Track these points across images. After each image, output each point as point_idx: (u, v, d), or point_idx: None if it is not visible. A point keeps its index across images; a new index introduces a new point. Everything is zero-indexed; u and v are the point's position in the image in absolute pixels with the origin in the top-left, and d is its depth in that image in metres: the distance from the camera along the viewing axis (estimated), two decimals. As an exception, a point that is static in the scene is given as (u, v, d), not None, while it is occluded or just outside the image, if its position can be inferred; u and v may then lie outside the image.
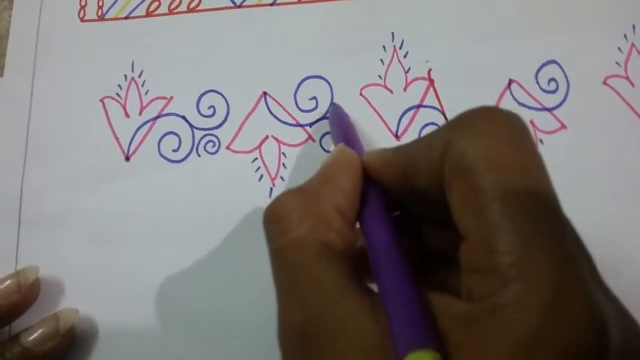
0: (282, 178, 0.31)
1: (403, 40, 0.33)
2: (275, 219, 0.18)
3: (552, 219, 0.14)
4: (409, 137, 0.31)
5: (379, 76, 0.32)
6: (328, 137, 0.32)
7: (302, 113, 0.32)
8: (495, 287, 0.13)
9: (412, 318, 0.15)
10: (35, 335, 0.27)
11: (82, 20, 0.35)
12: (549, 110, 0.31)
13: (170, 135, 0.32)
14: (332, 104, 0.32)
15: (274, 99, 0.32)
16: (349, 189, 0.19)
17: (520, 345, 0.13)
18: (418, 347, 0.14)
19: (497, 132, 0.15)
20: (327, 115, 0.32)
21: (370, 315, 0.15)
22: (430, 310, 0.15)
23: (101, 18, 0.34)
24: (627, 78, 0.31)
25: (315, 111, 0.32)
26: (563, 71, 0.31)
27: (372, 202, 0.19)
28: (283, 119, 0.32)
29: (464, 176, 0.15)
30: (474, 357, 0.13)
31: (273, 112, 0.32)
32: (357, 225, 0.19)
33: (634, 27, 0.31)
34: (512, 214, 0.14)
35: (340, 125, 0.27)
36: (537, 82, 0.31)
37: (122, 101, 0.33)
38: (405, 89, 0.32)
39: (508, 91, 0.31)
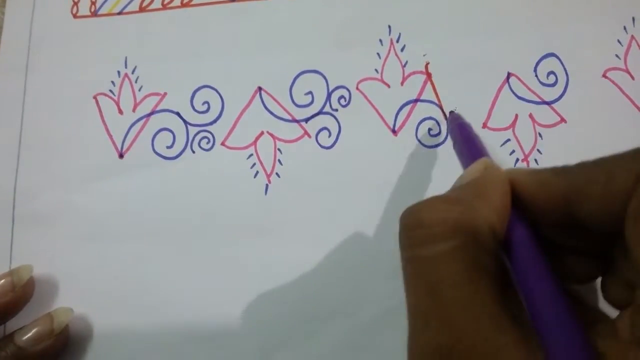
0: (277, 175, 0.31)
1: (400, 34, 0.32)
2: (421, 224, 0.16)
3: None
4: (406, 132, 0.31)
5: (376, 70, 0.32)
6: (324, 132, 0.31)
7: (298, 108, 0.32)
8: None
9: (578, 355, 0.14)
10: (29, 334, 0.27)
11: (75, 16, 0.34)
12: (548, 103, 0.30)
13: (164, 132, 0.32)
14: (451, 112, 0.30)
15: (269, 94, 0.32)
16: (502, 207, 0.18)
17: None
18: None
19: None
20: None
21: (524, 349, 0.14)
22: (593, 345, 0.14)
23: (94, 14, 0.34)
24: (627, 71, 0.30)
25: (311, 106, 0.32)
26: (562, 64, 0.31)
27: (520, 224, 0.18)
28: (278, 115, 0.32)
29: None
30: None
31: (268, 107, 0.32)
32: None
33: (633, 19, 0.31)
34: None
35: (468, 138, 0.26)
36: (536, 76, 0.31)
37: (116, 98, 0.33)
38: (402, 83, 0.32)
39: (507, 85, 0.31)
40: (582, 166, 0.17)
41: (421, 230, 0.16)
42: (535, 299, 0.16)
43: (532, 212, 0.18)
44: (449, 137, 0.30)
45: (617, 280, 0.17)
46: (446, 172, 0.30)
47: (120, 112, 0.33)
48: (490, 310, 0.15)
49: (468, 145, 0.25)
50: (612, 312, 0.17)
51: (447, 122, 0.30)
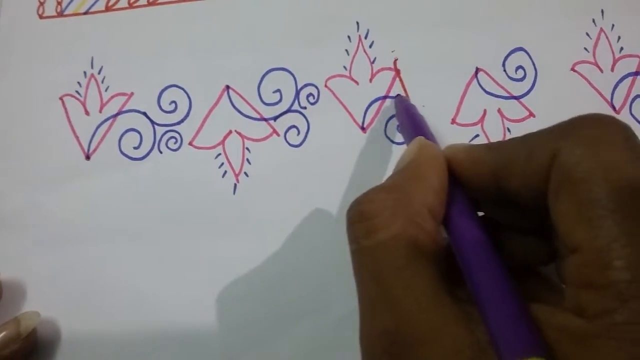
0: (246, 174, 0.31)
1: (368, 30, 0.32)
2: (363, 217, 0.17)
3: None
4: (374, 129, 0.31)
5: (344, 67, 0.32)
6: (293, 130, 0.31)
7: (266, 107, 0.32)
8: (612, 305, 0.13)
9: (517, 324, 0.14)
10: (-5, 339, 0.27)
11: (41, 17, 0.34)
12: (516, 98, 0.30)
13: (131, 132, 0.32)
14: (397, 95, 0.30)
15: (237, 92, 0.32)
16: (439, 187, 0.18)
17: None
18: (526, 354, 0.13)
19: (612, 141, 0.15)
20: (392, 105, 0.30)
21: (464, 325, 0.14)
22: (534, 317, 0.14)
23: (60, 14, 0.34)
24: (596, 64, 0.30)
25: (280, 104, 0.31)
26: (531, 58, 0.31)
27: (459, 201, 0.18)
28: (247, 113, 0.32)
29: (577, 187, 0.14)
30: None
31: (236, 106, 0.32)
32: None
33: (602, 12, 0.31)
34: (631, 228, 0.13)
35: (410, 118, 0.26)
36: (505, 70, 0.31)
37: (82, 99, 0.32)
38: (371, 80, 0.31)
39: (475, 80, 0.31)
40: (510, 143, 0.17)
41: (362, 224, 0.17)
42: (473, 273, 0.16)
43: (469, 189, 0.19)
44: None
45: (560, 258, 0.17)
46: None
47: (87, 112, 0.32)
48: (430, 290, 0.15)
49: (409, 126, 0.25)
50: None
51: (394, 105, 0.30)
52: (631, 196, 0.14)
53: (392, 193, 0.17)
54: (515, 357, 0.13)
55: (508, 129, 0.30)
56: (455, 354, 0.14)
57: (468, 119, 0.30)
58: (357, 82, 0.31)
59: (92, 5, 0.33)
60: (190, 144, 0.31)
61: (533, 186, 0.16)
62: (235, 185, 0.31)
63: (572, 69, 0.30)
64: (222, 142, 0.31)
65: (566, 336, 0.14)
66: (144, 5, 0.33)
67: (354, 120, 0.31)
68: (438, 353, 0.14)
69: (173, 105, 0.32)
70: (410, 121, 0.26)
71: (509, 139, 0.18)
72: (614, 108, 0.30)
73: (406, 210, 0.17)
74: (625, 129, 0.15)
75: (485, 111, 0.30)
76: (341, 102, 0.31)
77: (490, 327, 0.14)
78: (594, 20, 0.31)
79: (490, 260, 0.16)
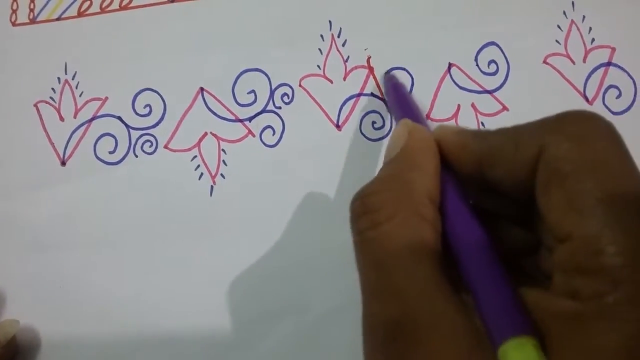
0: (222, 176, 0.31)
1: (341, 29, 0.32)
2: (367, 209, 0.17)
3: None
4: (349, 127, 0.31)
5: (318, 66, 0.32)
6: (268, 131, 0.31)
7: (241, 108, 0.31)
8: (605, 288, 0.13)
9: (507, 307, 0.15)
10: (-26, 348, 0.27)
11: (14, 24, 0.34)
12: (489, 92, 0.30)
13: (106, 137, 0.32)
14: (387, 72, 0.30)
15: (211, 94, 0.32)
16: (433, 172, 0.18)
17: (632, 345, 0.13)
18: (516, 334, 0.14)
19: (597, 136, 0.15)
20: (382, 84, 0.30)
21: (463, 313, 0.15)
22: (524, 301, 0.15)
23: (33, 21, 0.34)
24: (568, 56, 0.30)
25: (254, 105, 0.31)
26: (503, 52, 0.31)
27: (450, 186, 0.18)
28: (222, 115, 0.31)
29: (566, 179, 0.15)
30: (582, 355, 0.13)
31: (211, 108, 0.32)
32: None
33: (573, 4, 0.31)
34: (619, 216, 0.14)
35: (400, 98, 0.26)
36: (477, 65, 0.31)
37: (57, 105, 0.32)
38: (344, 78, 0.31)
39: (448, 75, 0.31)
40: (498, 133, 0.18)
41: (367, 216, 0.17)
42: (464, 257, 0.16)
43: (457, 173, 0.19)
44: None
45: (545, 251, 0.18)
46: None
47: (62, 118, 0.32)
48: (432, 279, 0.16)
49: (398, 106, 0.25)
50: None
51: (382, 83, 0.30)
52: (617, 186, 0.14)
53: (393, 184, 0.18)
54: (505, 338, 0.14)
55: (482, 123, 0.30)
56: (455, 340, 0.14)
57: (442, 114, 0.30)
58: (331, 81, 0.31)
59: (65, 11, 0.33)
60: (165, 147, 0.31)
61: (518, 177, 0.16)
62: (212, 187, 0.31)
63: (544, 62, 0.30)
64: (198, 145, 0.31)
65: (558, 318, 0.14)
66: (116, 10, 0.33)
67: (329, 119, 0.31)
68: (438, 339, 0.14)
69: (148, 108, 0.32)
70: (399, 103, 0.26)
71: (497, 129, 0.18)
72: (586, 99, 0.30)
73: (408, 201, 0.17)
74: (608, 125, 0.16)
75: (459, 106, 0.30)
76: (316, 101, 0.31)
77: (481, 310, 0.15)
78: (564, 13, 0.31)
79: (482, 244, 0.16)
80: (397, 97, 0.26)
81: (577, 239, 0.14)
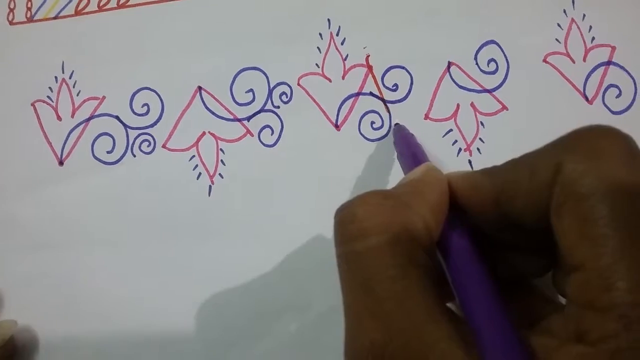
0: (221, 175, 0.31)
1: (340, 27, 0.32)
2: (355, 218, 0.16)
3: None
4: (348, 127, 0.30)
5: (317, 65, 0.31)
6: (266, 130, 0.31)
7: (239, 107, 0.31)
8: (615, 329, 0.12)
9: (514, 355, 0.14)
10: (-28, 348, 0.27)
11: (11, 23, 0.34)
12: (489, 91, 0.30)
13: (104, 137, 0.32)
14: (396, 124, 0.30)
15: (209, 93, 0.32)
16: (437, 206, 0.17)
17: None
18: None
19: (616, 154, 0.14)
20: (390, 134, 0.30)
21: (456, 344, 0.14)
22: (529, 347, 0.14)
23: (30, 20, 0.33)
24: (568, 54, 0.30)
25: (253, 104, 0.31)
26: (502, 51, 0.30)
27: (456, 226, 0.18)
28: (220, 114, 0.31)
29: (580, 203, 0.14)
30: None
31: (209, 107, 0.31)
32: None
33: (573, 2, 0.31)
34: (635, 248, 0.13)
35: (410, 147, 0.26)
36: (477, 64, 0.30)
37: (54, 104, 0.32)
38: (343, 77, 0.31)
39: (447, 74, 0.30)
40: (509, 165, 0.17)
41: (353, 225, 0.16)
42: (466, 301, 0.16)
43: (470, 215, 0.18)
44: (391, 130, 0.30)
45: (561, 272, 0.17)
46: (390, 165, 0.30)
47: (59, 118, 0.32)
48: (424, 304, 0.14)
49: (411, 153, 0.25)
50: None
51: (392, 134, 0.30)
52: (635, 213, 0.13)
53: (388, 199, 0.17)
54: None
55: (481, 122, 0.30)
56: None
57: (441, 114, 0.30)
58: (329, 80, 0.31)
59: (62, 9, 0.33)
60: (163, 146, 0.31)
61: (537, 205, 0.15)
62: (210, 186, 0.31)
63: (544, 61, 0.30)
64: (196, 144, 0.31)
65: None
66: (114, 8, 0.33)
67: (328, 118, 0.31)
68: None
69: (145, 108, 0.32)
70: (409, 151, 0.25)
71: (506, 162, 0.17)
72: (586, 98, 0.30)
73: (402, 218, 0.16)
74: (626, 140, 0.15)
75: (458, 105, 0.30)
76: (314, 100, 0.31)
77: (483, 354, 0.14)
78: (564, 11, 0.31)
79: (487, 294, 0.16)
80: (409, 147, 0.26)
81: (590, 270, 0.13)
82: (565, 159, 0.14)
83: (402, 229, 0.16)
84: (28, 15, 0.33)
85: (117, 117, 0.32)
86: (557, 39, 0.30)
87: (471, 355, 0.14)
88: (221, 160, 0.31)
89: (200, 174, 0.31)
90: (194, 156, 0.31)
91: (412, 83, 0.31)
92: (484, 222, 0.18)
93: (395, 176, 0.29)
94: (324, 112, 0.31)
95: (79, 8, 0.33)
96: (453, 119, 0.30)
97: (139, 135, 0.31)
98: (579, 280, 0.14)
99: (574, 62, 0.30)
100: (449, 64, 0.31)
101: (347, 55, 0.31)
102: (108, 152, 0.31)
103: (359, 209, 0.16)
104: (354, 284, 0.15)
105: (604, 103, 0.29)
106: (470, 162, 0.29)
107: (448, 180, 0.18)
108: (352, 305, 0.15)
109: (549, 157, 0.15)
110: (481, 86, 0.30)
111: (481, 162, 0.29)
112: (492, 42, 0.31)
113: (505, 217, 0.17)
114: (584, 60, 0.30)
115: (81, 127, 0.32)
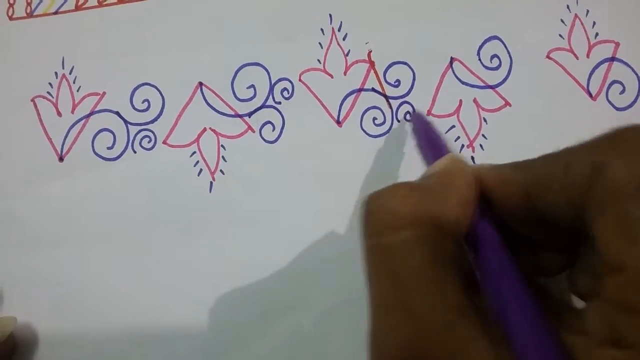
0: (222, 172, 0.30)
1: (341, 22, 0.31)
2: (385, 209, 0.15)
3: None
4: (350, 123, 0.30)
5: (318, 60, 0.31)
6: (268, 126, 0.31)
7: (241, 103, 0.31)
8: None
9: (551, 355, 0.14)
10: (-28, 345, 0.27)
11: (11, 18, 0.34)
12: (492, 87, 0.30)
13: (104, 133, 0.31)
14: (414, 111, 0.30)
15: (210, 89, 0.31)
16: (466, 199, 0.17)
17: None
18: None
19: None
20: (408, 120, 0.30)
21: (488, 344, 0.14)
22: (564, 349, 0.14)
23: (30, 15, 0.33)
24: (571, 50, 0.30)
25: (254, 100, 0.31)
26: (505, 47, 0.30)
27: (485, 220, 0.17)
28: (221, 110, 0.31)
29: (622, 203, 0.14)
30: None
31: (210, 103, 0.31)
32: None
33: (576, -3, 0.30)
34: None
35: (432, 135, 0.25)
36: (480, 60, 0.30)
37: (54, 100, 0.32)
38: (345, 73, 0.31)
39: (450, 70, 0.30)
40: (542, 160, 0.17)
41: (384, 217, 0.15)
42: (500, 297, 0.15)
43: (497, 208, 0.18)
44: (393, 126, 0.30)
45: (584, 272, 0.17)
46: (392, 161, 0.29)
47: (59, 114, 0.32)
48: (456, 302, 0.14)
49: (434, 143, 0.24)
50: (578, 303, 0.17)
51: (411, 122, 0.29)
52: None
53: (422, 193, 0.16)
54: None
55: (484, 118, 0.30)
56: None
57: (444, 110, 0.30)
58: (331, 76, 0.31)
59: (62, 4, 0.33)
60: (164, 142, 0.31)
61: (571, 201, 0.15)
62: (211, 183, 0.30)
63: (548, 57, 0.30)
64: (197, 140, 0.31)
65: None
66: (114, 4, 0.33)
67: (330, 114, 0.31)
68: None
69: (146, 103, 0.32)
70: (430, 140, 0.24)
71: (539, 157, 0.17)
72: (590, 95, 0.29)
73: (433, 211, 0.15)
74: None
75: (460, 101, 0.30)
76: (316, 96, 0.31)
77: (520, 354, 0.14)
78: (568, 7, 0.30)
79: (517, 284, 0.15)
80: (430, 135, 0.25)
81: (631, 271, 0.13)
82: (608, 158, 0.14)
83: (433, 222, 0.15)
84: (28, 11, 0.33)
85: (117, 113, 0.32)
86: (560, 35, 0.30)
87: (501, 355, 0.13)
88: (222, 157, 0.31)
89: (201, 170, 0.30)
90: (194, 152, 0.31)
91: (414, 79, 0.30)
92: (509, 216, 0.18)
93: (397, 172, 0.29)
94: (325, 108, 0.31)
95: (79, 3, 0.33)
96: (456, 115, 0.30)
97: (140, 131, 0.31)
98: (617, 282, 0.13)
99: (577, 58, 0.30)
100: (452, 60, 0.30)
101: (349, 51, 0.31)
102: (108, 148, 0.31)
103: (390, 201, 0.16)
104: (383, 278, 0.15)
105: (607, 99, 0.29)
106: (473, 158, 0.29)
107: (476, 172, 0.18)
108: (380, 298, 0.15)
109: (587, 154, 0.15)
110: (484, 82, 0.30)
111: (484, 159, 0.29)
112: (495, 37, 0.30)
113: (533, 211, 0.16)
114: (588, 56, 0.30)
115: (81, 123, 0.32)
